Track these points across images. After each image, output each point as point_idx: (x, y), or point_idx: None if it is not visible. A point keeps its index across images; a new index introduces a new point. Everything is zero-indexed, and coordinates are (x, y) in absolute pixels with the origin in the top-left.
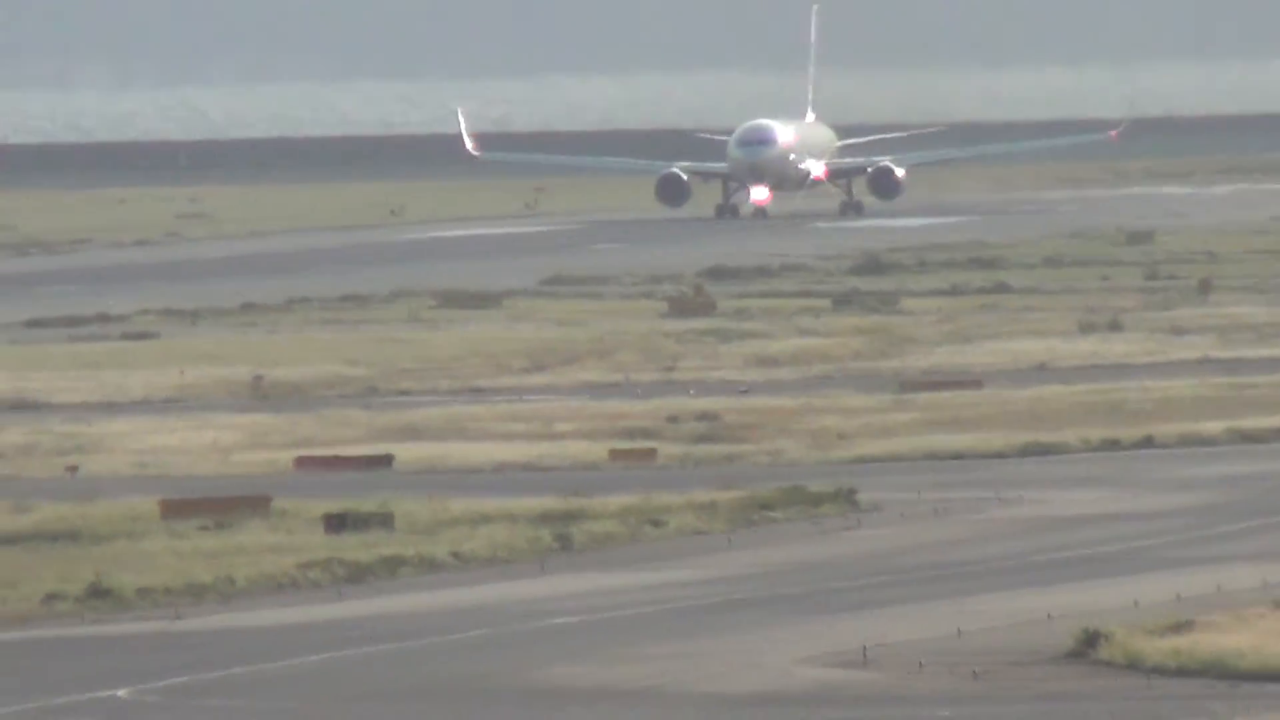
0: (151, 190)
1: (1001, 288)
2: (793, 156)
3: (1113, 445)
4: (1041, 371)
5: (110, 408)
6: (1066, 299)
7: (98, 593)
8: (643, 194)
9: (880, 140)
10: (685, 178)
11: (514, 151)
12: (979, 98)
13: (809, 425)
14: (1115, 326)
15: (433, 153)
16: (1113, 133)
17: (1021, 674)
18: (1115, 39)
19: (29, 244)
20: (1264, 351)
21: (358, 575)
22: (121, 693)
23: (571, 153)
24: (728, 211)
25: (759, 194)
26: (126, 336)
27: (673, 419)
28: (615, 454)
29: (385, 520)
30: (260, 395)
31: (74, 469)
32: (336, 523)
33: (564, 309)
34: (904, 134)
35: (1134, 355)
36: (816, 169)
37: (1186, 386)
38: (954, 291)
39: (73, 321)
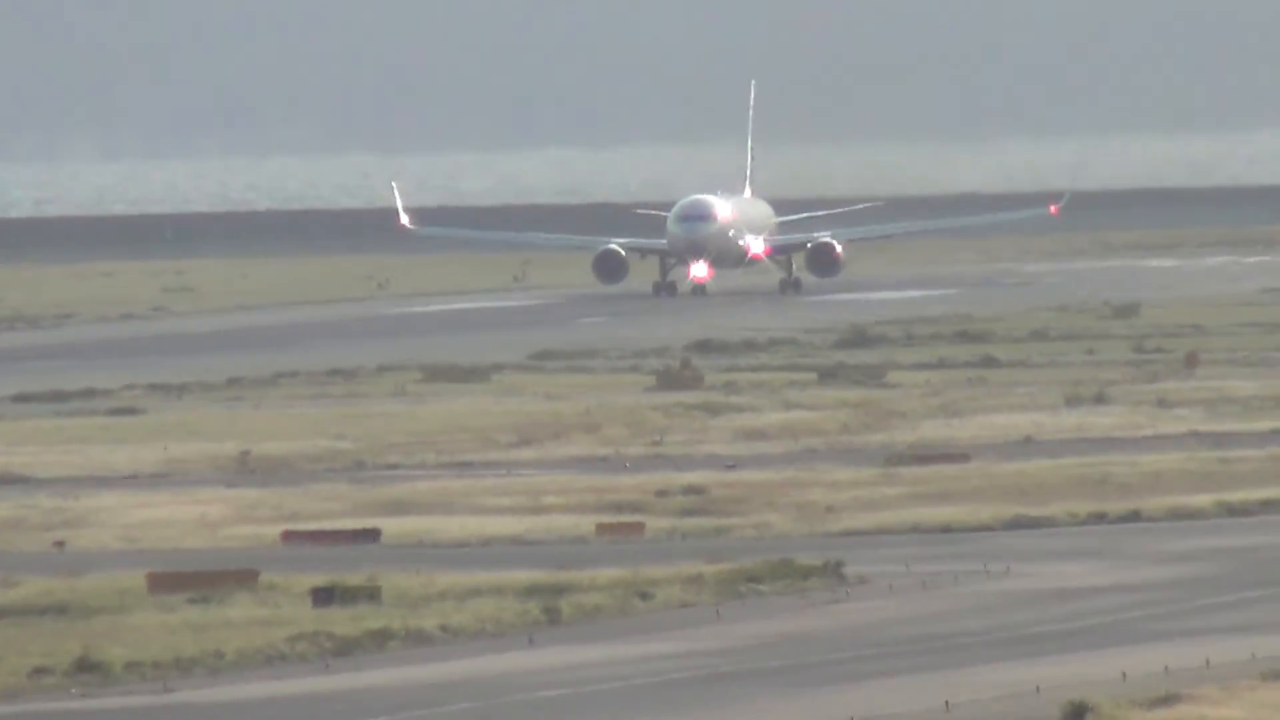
0: (137, 264)
1: (988, 361)
2: (732, 233)
3: (1100, 518)
4: (1028, 445)
5: (97, 482)
6: (1053, 372)
7: (86, 666)
8: (579, 270)
9: (819, 216)
10: (623, 254)
11: (451, 226)
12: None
13: (796, 498)
14: (1102, 400)
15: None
16: (1053, 207)
17: None
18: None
19: (14, 318)
20: (1251, 425)
21: (345, 649)
22: None
23: (510, 227)
24: (665, 289)
25: (698, 270)
26: (113, 411)
27: (661, 493)
28: (603, 527)
29: (373, 594)
30: (247, 470)
31: (61, 543)
32: (324, 596)
33: (552, 383)
34: (842, 210)
35: (1121, 429)
36: (756, 245)
37: (1174, 460)
38: (941, 365)
39: (59, 396)
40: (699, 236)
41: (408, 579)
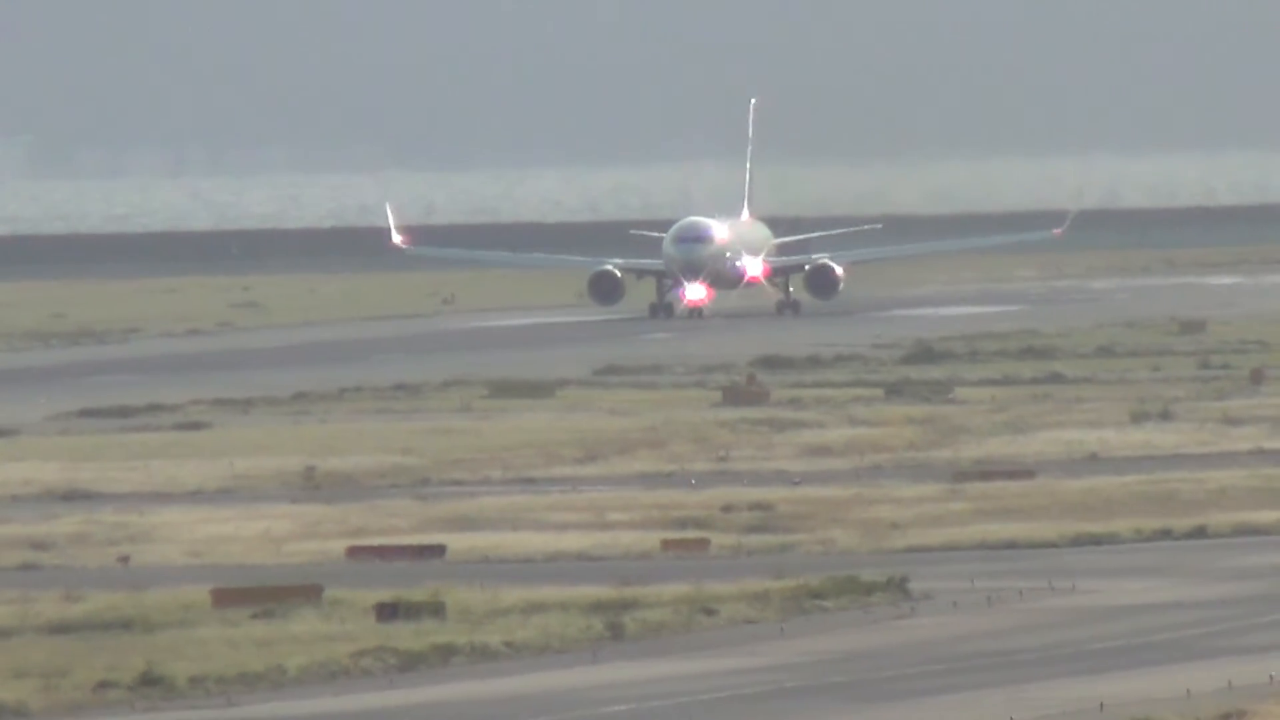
0: (204, 280)
1: (1054, 377)
2: (729, 254)
3: (1165, 535)
4: (1094, 461)
5: (162, 497)
6: (1119, 389)
7: (150, 681)
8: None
9: (818, 238)
10: (619, 275)
11: (444, 246)
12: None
13: (861, 515)
14: (1167, 416)
15: (484, 241)
16: (1057, 230)
17: None
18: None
19: (81, 333)
20: None
21: (409, 664)
22: None
23: (504, 247)
24: (662, 310)
25: (695, 292)
26: (178, 427)
27: (726, 509)
28: (668, 544)
29: (437, 609)
30: (312, 485)
31: (126, 559)
32: (388, 612)
33: (617, 399)
34: (842, 231)
35: (1186, 445)
36: (754, 267)
37: (1239, 476)
38: (1006, 381)
39: (124, 411)
40: (695, 258)
41: (472, 594)
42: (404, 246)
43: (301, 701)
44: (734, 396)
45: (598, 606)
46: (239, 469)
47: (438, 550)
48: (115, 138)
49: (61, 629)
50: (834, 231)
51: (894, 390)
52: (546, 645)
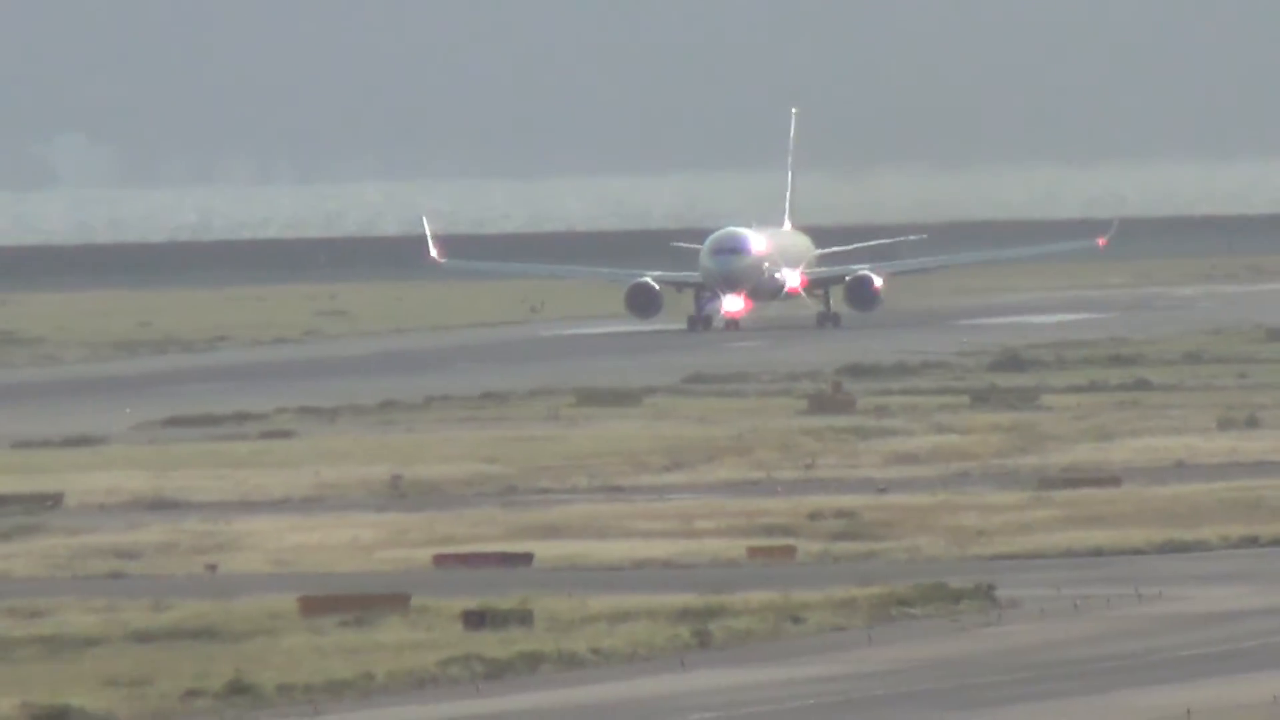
0: (291, 288)
1: (1141, 384)
2: (767, 265)
3: (1252, 542)
4: (1180, 468)
5: (249, 506)
6: (1206, 396)
7: (237, 689)
8: (613, 302)
9: (861, 249)
10: (657, 287)
11: (478, 259)
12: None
13: (948, 522)
14: (1255, 423)
15: (575, 251)
16: (1101, 239)
17: None
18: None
19: (167, 342)
20: None
21: (497, 672)
22: None
23: (543, 257)
24: (701, 323)
25: (732, 304)
26: (265, 435)
27: (812, 516)
28: (754, 551)
29: (524, 617)
30: (399, 494)
31: (213, 567)
32: (476, 619)
33: (704, 406)
34: (884, 241)
35: (1274, 452)
36: (792, 279)
37: None
38: (1093, 388)
39: (211, 420)
40: (733, 270)
41: (559, 602)
42: (440, 260)
43: (389, 709)
44: (820, 404)
45: (684, 614)
46: (325, 478)
47: (525, 558)
48: (202, 146)
49: (148, 637)
50: (876, 242)
51: (980, 398)
52: (633, 653)
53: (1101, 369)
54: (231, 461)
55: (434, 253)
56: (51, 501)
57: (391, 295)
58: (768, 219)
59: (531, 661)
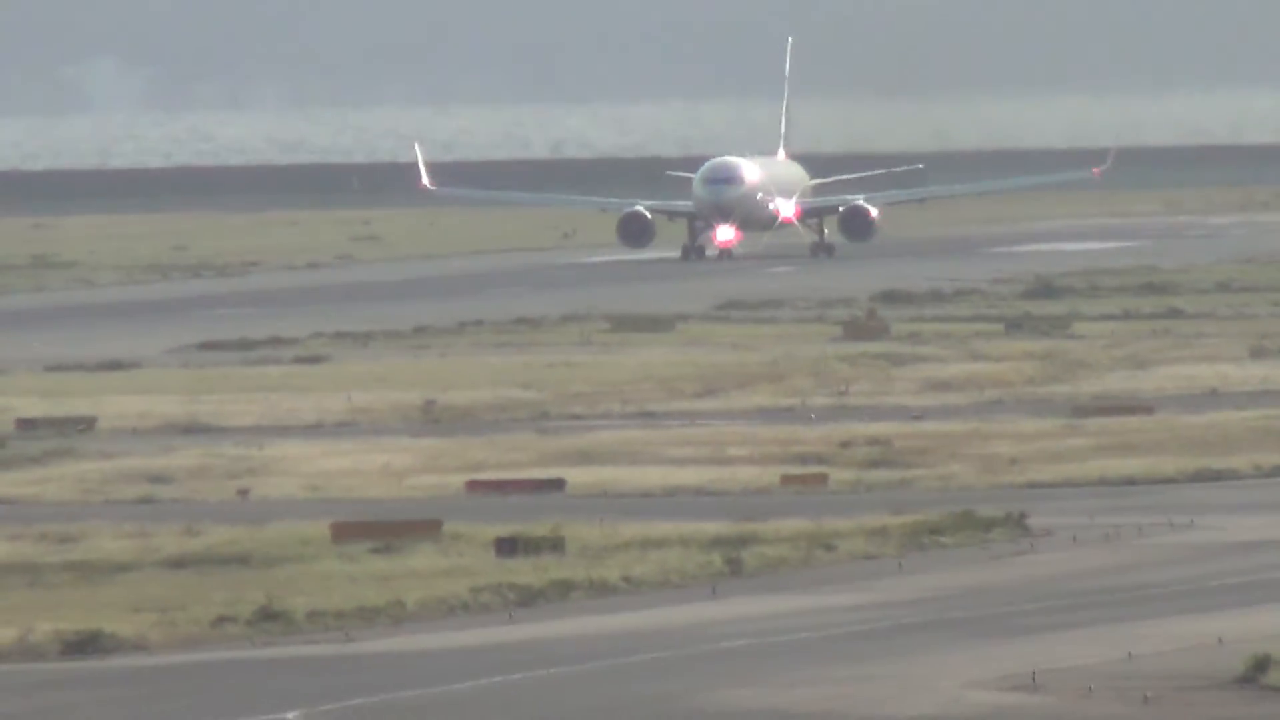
0: (324, 213)
1: (1173, 313)
2: (760, 195)
3: None
4: (1213, 397)
5: (282, 431)
6: (1239, 324)
7: (268, 615)
8: (605, 231)
9: (856, 179)
10: (649, 216)
11: (470, 188)
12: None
13: (980, 450)
14: None
15: (610, 176)
16: (1096, 169)
17: (1191, 699)
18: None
19: (201, 266)
20: None
21: (528, 599)
22: (291, 716)
23: (530, 186)
24: (694, 253)
25: (724, 234)
26: (299, 360)
27: (845, 444)
28: (787, 479)
29: (556, 544)
30: (432, 419)
31: (245, 492)
32: (508, 546)
33: (737, 333)
34: (879, 172)
35: None
36: (786, 209)
37: None
38: (1126, 316)
39: (245, 345)
40: (725, 199)
41: (591, 529)
42: (432, 188)
43: (420, 636)
44: (854, 331)
45: (716, 542)
46: (358, 403)
47: (557, 484)
48: (234, 70)
49: (180, 563)
50: (872, 172)
51: (1014, 325)
52: (665, 580)
53: (1134, 297)
54: (264, 386)
55: (425, 180)
56: (84, 425)
57: (424, 220)
58: (764, 148)
59: (563, 588)
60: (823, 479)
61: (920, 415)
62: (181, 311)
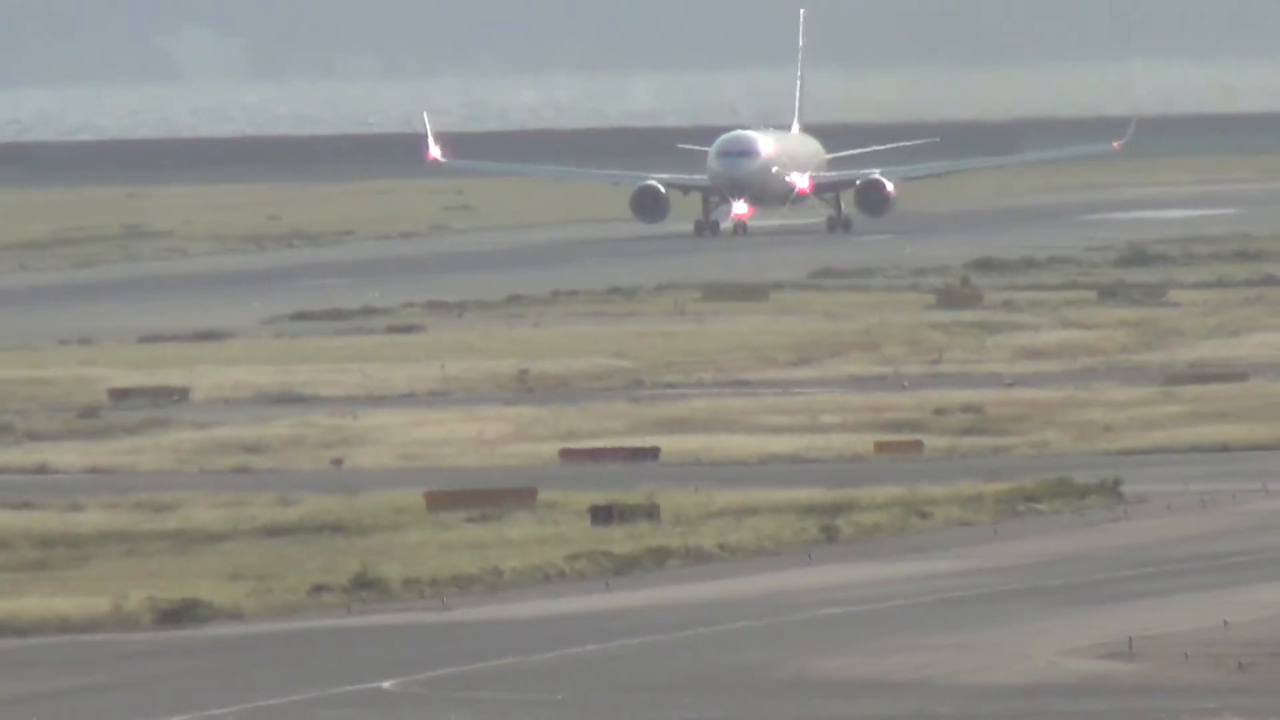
0: (417, 182)
1: (1268, 280)
2: (775, 169)
3: None
4: None
5: (375, 401)
6: None
7: (364, 584)
8: (619, 204)
9: (872, 153)
10: (663, 190)
11: (482, 159)
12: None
13: (1074, 417)
14: None
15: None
16: (1116, 143)
17: None
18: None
19: (294, 236)
20: None
21: (624, 567)
22: (388, 684)
23: (543, 158)
24: (708, 228)
25: (739, 208)
26: (392, 329)
27: (939, 411)
28: (881, 446)
29: (651, 512)
30: (526, 388)
31: (339, 461)
32: (603, 515)
33: (831, 301)
34: (897, 145)
35: None
36: (801, 182)
37: None
38: (1220, 284)
39: (338, 314)
40: (740, 173)
41: (686, 497)
42: (442, 160)
43: (516, 604)
44: (948, 299)
45: (811, 509)
46: (452, 372)
47: (651, 453)
48: (327, 39)
49: (275, 532)
50: (888, 145)
51: (1107, 293)
52: (760, 548)
53: (1228, 265)
54: (358, 356)
55: (435, 152)
56: (178, 395)
57: (518, 190)
58: (779, 120)
59: (658, 556)
60: (917, 446)
61: (1014, 382)
62: (275, 281)
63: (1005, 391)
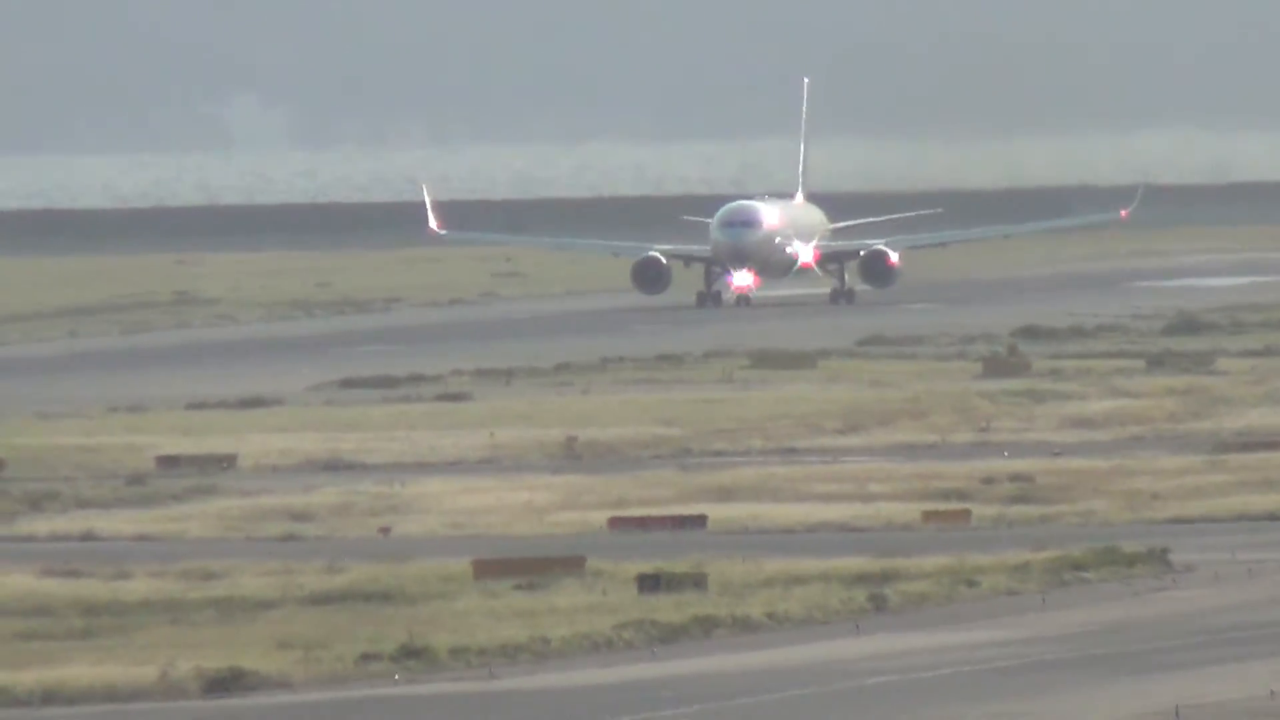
0: (466, 250)
1: None
2: (779, 239)
3: None
4: None
5: (423, 468)
6: None
7: (411, 652)
8: (620, 275)
9: (876, 223)
10: (665, 261)
11: (483, 231)
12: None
13: (1122, 486)
14: None
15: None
16: (1123, 211)
17: None
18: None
19: (344, 303)
20: None
21: (671, 635)
22: None
23: (545, 228)
24: (710, 299)
25: (741, 279)
26: (440, 397)
27: (987, 480)
28: (929, 515)
29: (699, 580)
30: (574, 455)
31: (387, 529)
32: (650, 583)
33: (878, 369)
34: (900, 215)
35: None
36: (805, 254)
37: None
38: (1268, 352)
39: (386, 382)
40: (744, 244)
41: (734, 566)
42: (441, 232)
43: (564, 673)
44: (995, 367)
45: (860, 578)
46: (500, 439)
47: (699, 521)
48: (376, 106)
49: (323, 600)
50: (891, 216)
51: (1155, 361)
52: (809, 617)
53: (1276, 333)
54: (406, 423)
55: (433, 223)
56: (226, 463)
57: (566, 257)
58: (782, 193)
59: (706, 625)
60: (965, 515)
61: (1062, 451)
62: (323, 348)
63: (1053, 460)
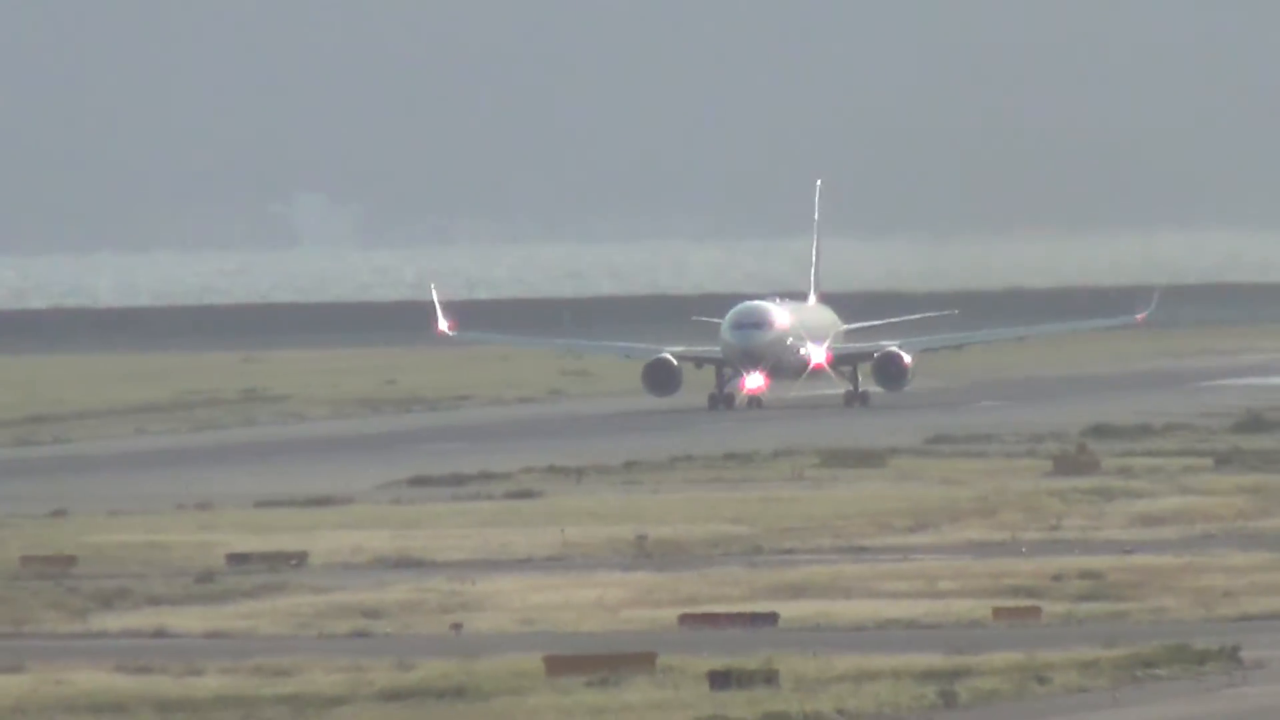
0: (534, 348)
1: None
2: (791, 341)
3: None
4: None
5: (494, 565)
6: None
7: None
8: (630, 377)
9: (889, 324)
10: (676, 364)
11: (490, 331)
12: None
13: (1192, 584)
14: None
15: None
16: (1139, 315)
17: None
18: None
19: (411, 400)
20: None
21: None
22: None
23: (557, 327)
24: (722, 401)
25: (753, 381)
26: (510, 495)
27: (1057, 577)
28: (999, 612)
29: (770, 677)
30: (644, 553)
31: (458, 626)
32: (721, 679)
33: (948, 467)
34: (914, 317)
35: None
36: (817, 355)
37: None
38: None
39: (456, 479)
40: (755, 345)
41: (805, 662)
42: (451, 333)
43: None
44: (1065, 465)
45: (930, 674)
46: (571, 537)
47: (770, 618)
48: (443, 204)
49: (394, 697)
50: (906, 318)
51: (1224, 459)
52: (879, 713)
53: None
54: (476, 521)
55: (443, 324)
56: (296, 560)
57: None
58: (796, 293)
59: None
60: (1035, 612)
61: (1132, 549)
62: (391, 446)
63: (1123, 558)
